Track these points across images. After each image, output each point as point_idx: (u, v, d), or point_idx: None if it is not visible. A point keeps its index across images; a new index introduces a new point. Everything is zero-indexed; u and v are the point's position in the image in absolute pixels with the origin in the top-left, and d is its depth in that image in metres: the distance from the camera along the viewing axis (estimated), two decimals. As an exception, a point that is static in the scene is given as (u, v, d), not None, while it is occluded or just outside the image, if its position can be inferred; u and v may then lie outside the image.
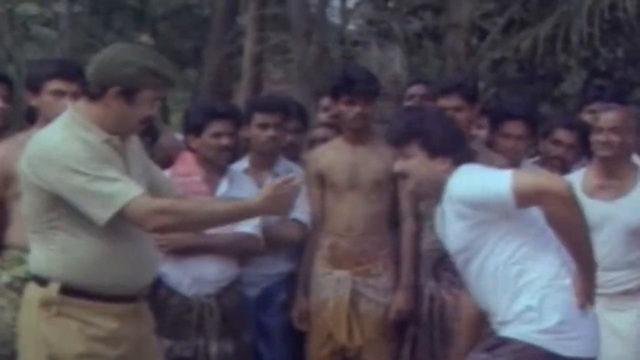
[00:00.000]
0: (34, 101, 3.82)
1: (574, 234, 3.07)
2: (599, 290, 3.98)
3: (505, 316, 3.11)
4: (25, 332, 3.18)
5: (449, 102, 4.10)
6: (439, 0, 9.76)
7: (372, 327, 4.11)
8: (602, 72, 10.14)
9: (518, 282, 3.09)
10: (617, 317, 3.99)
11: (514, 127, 4.25)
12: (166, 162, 4.35)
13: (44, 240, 3.10)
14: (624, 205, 3.99)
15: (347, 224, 4.16)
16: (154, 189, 3.25)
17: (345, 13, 12.61)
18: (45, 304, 3.07)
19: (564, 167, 4.37)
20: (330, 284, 4.16)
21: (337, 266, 4.17)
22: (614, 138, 3.95)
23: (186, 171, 4.12)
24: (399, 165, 3.26)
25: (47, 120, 3.73)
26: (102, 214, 2.96)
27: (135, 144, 3.26)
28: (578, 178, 4.09)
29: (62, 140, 3.03)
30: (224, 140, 4.09)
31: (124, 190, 2.97)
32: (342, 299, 4.14)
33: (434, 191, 3.24)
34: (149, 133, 4.27)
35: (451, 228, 3.17)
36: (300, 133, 4.71)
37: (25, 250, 3.74)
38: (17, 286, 3.75)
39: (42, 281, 3.11)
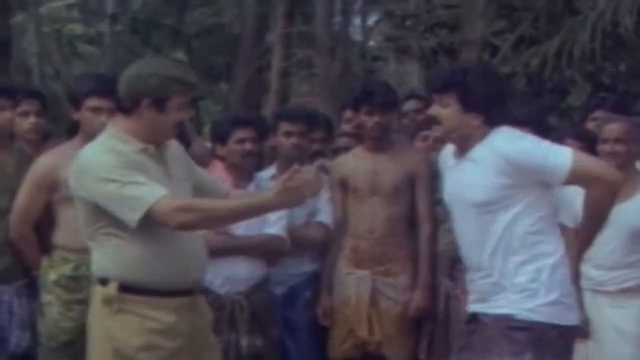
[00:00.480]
0: (75, 115, 3.83)
1: (601, 220, 3.22)
2: (601, 288, 3.98)
3: (503, 278, 3.11)
4: (93, 328, 3.20)
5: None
6: (453, 19, 9.73)
7: (391, 324, 4.08)
8: (606, 85, 10.07)
9: (533, 250, 3.11)
10: (618, 315, 3.96)
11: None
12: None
13: (99, 245, 3.13)
14: (628, 209, 3.95)
15: (368, 227, 4.14)
16: (202, 190, 3.29)
17: (366, 31, 12.62)
18: (107, 302, 3.10)
19: None
20: (352, 283, 4.14)
21: (359, 266, 4.15)
22: (619, 148, 3.93)
23: (217, 178, 4.11)
24: (433, 110, 3.24)
25: (87, 134, 3.77)
26: (133, 216, 2.97)
27: (175, 149, 3.28)
28: None
29: (96, 153, 3.09)
30: (248, 146, 4.08)
31: (150, 192, 2.97)
32: (363, 296, 4.12)
33: (460, 141, 3.22)
34: (181, 142, 4.27)
35: (481, 179, 3.11)
36: (326, 142, 4.70)
37: (71, 250, 3.77)
38: (63, 283, 3.78)
39: (103, 281, 3.12)
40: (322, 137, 4.66)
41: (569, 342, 3.24)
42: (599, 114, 4.65)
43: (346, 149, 4.51)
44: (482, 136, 3.16)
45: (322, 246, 4.30)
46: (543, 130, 4.25)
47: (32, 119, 4.23)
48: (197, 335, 3.20)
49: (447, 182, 3.33)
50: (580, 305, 3.97)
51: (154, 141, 3.13)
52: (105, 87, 3.79)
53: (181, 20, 15.32)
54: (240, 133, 4.04)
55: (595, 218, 3.21)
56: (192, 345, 3.17)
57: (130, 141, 3.09)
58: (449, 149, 3.37)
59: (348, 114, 4.78)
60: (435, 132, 3.30)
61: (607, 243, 3.95)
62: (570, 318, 3.17)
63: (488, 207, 3.12)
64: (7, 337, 3.90)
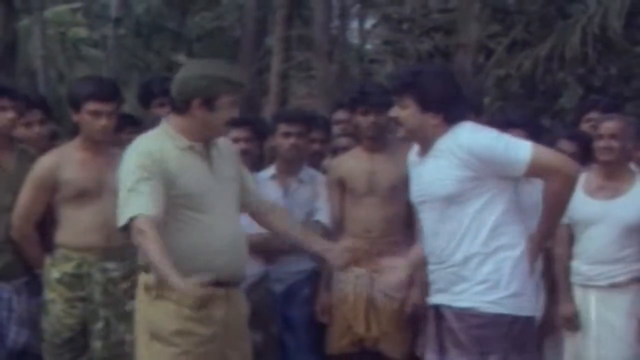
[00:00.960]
0: (75, 118, 3.80)
1: (560, 212, 3.24)
2: (591, 283, 3.98)
3: (465, 269, 3.13)
4: (136, 313, 3.32)
5: None
6: (449, 22, 9.74)
7: (388, 320, 4.07)
8: (597, 88, 10.08)
9: (496, 242, 3.13)
10: (608, 309, 3.98)
11: (515, 135, 4.20)
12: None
13: None
14: (620, 204, 3.99)
15: (365, 226, 4.11)
16: (243, 194, 3.38)
17: (364, 34, 12.60)
18: (147, 288, 3.22)
19: None
20: (350, 281, 4.12)
21: (356, 264, 4.13)
22: (614, 144, 3.96)
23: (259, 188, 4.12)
24: (394, 112, 3.26)
25: (87, 136, 3.79)
26: (120, 221, 3.11)
27: (227, 148, 3.38)
28: (581, 178, 4.07)
29: (132, 149, 3.23)
30: (242, 145, 4.09)
31: (138, 205, 3.07)
32: (360, 294, 4.10)
33: (422, 141, 3.25)
34: None
35: (445, 173, 3.14)
36: (325, 143, 4.69)
37: (73, 248, 3.76)
38: (66, 281, 3.77)
39: (145, 269, 3.22)
40: (322, 137, 4.66)
41: (533, 333, 3.28)
42: (593, 115, 4.67)
43: (345, 149, 4.50)
44: (442, 134, 3.19)
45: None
46: (536, 131, 4.25)
47: (36, 129, 4.19)
48: (232, 326, 3.27)
49: (412, 179, 3.35)
50: (571, 299, 4.00)
51: (205, 139, 3.23)
52: (104, 91, 3.79)
53: (183, 24, 15.29)
54: (233, 133, 4.02)
55: (553, 210, 3.20)
56: (226, 334, 3.24)
57: (179, 138, 3.21)
58: (414, 149, 3.39)
59: (339, 115, 4.78)
60: (399, 133, 3.31)
61: (599, 238, 3.97)
62: (531, 308, 3.21)
63: (453, 200, 3.14)
64: (5, 333, 3.89)
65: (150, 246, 3.04)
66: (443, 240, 3.19)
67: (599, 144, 3.98)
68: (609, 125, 3.98)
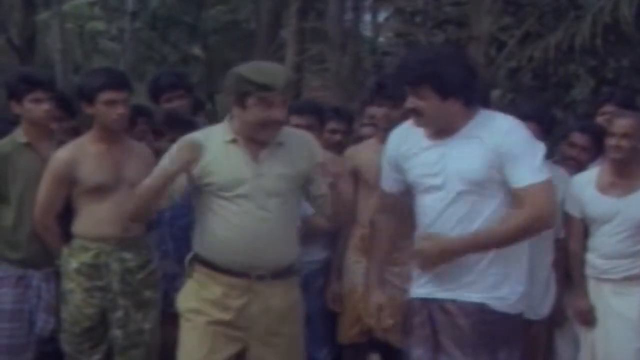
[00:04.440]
0: (88, 110, 3.81)
1: (505, 240, 3.05)
2: (605, 276, 3.98)
3: (476, 264, 3.05)
4: None
5: None
6: (461, 15, 9.70)
7: (397, 311, 4.06)
8: (609, 80, 10.02)
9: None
10: (621, 301, 3.97)
11: (527, 127, 4.20)
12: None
13: None
14: (633, 202, 3.97)
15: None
16: (308, 198, 3.44)
17: (376, 27, 12.58)
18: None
19: (580, 167, 4.32)
20: (360, 271, 4.12)
21: (367, 255, 4.14)
22: (625, 143, 3.92)
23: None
24: (412, 103, 3.10)
25: (102, 127, 3.78)
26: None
27: (294, 148, 3.34)
28: (593, 174, 4.07)
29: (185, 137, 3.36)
30: None
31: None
32: (370, 284, 4.10)
33: (445, 126, 3.11)
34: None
35: (477, 159, 3.02)
36: (347, 134, 4.68)
37: (90, 239, 3.79)
38: (84, 271, 3.79)
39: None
40: (343, 128, 4.64)
41: (521, 330, 3.23)
42: (608, 108, 4.63)
43: (369, 137, 4.48)
44: (467, 118, 3.08)
45: (333, 235, 4.30)
46: (549, 124, 4.24)
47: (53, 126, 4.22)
48: (259, 320, 3.28)
49: (424, 160, 3.16)
50: (586, 294, 3.99)
51: (253, 136, 3.26)
52: (117, 80, 3.81)
53: (198, 17, 15.30)
54: None
55: (500, 238, 3.04)
56: (252, 327, 3.28)
57: (226, 131, 3.30)
58: (410, 134, 3.24)
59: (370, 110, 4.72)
60: (418, 123, 3.15)
61: (612, 235, 3.96)
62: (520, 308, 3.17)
63: (477, 186, 3.03)
64: (34, 320, 3.93)
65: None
66: (450, 229, 3.07)
67: (610, 141, 3.95)
68: (622, 123, 3.94)
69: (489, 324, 3.05)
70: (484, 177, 3.03)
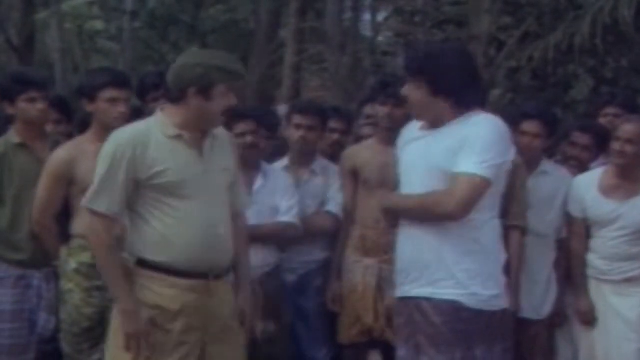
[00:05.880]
0: (89, 108, 3.81)
1: (420, 212, 3.16)
2: (605, 277, 3.98)
3: (448, 260, 3.07)
4: None
5: None
6: (461, 15, 9.70)
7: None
8: (608, 80, 10.03)
9: (477, 236, 3.11)
10: (621, 302, 3.98)
11: (531, 126, 4.20)
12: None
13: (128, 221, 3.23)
14: (634, 206, 3.96)
15: (376, 217, 4.09)
16: (230, 193, 3.31)
17: (376, 26, 12.57)
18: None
19: (581, 167, 4.33)
20: (359, 271, 4.13)
21: (366, 255, 4.14)
22: (629, 149, 3.93)
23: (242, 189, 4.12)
24: (405, 90, 3.21)
25: (102, 125, 3.78)
26: (86, 203, 3.16)
27: (225, 141, 3.31)
28: (596, 176, 4.07)
29: (113, 137, 3.20)
30: (248, 139, 4.05)
31: (102, 199, 3.11)
32: (369, 284, 4.10)
33: (432, 120, 3.18)
34: None
35: (455, 157, 3.06)
36: (345, 133, 4.67)
37: (87, 239, 3.77)
38: (83, 271, 3.78)
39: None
40: (342, 128, 4.63)
41: (510, 322, 3.27)
42: (610, 110, 4.66)
43: (369, 137, 4.47)
44: (453, 117, 3.13)
45: (332, 235, 4.30)
46: (552, 123, 4.24)
47: (49, 128, 4.18)
48: (214, 319, 3.20)
49: (413, 149, 3.25)
50: (588, 294, 3.99)
51: (202, 128, 3.17)
52: (119, 78, 3.83)
53: (197, 16, 15.29)
54: (240, 127, 4.02)
55: (416, 206, 3.15)
56: (208, 327, 3.18)
57: (168, 127, 3.14)
58: (413, 126, 3.32)
59: (368, 109, 4.72)
60: (408, 108, 3.29)
61: (613, 237, 3.96)
62: (507, 301, 3.19)
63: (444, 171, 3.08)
64: (35, 320, 3.93)
65: (107, 260, 3.13)
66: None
67: (615, 146, 3.96)
68: (627, 129, 3.95)
69: (463, 322, 3.05)
70: (449, 167, 3.06)
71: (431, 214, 3.09)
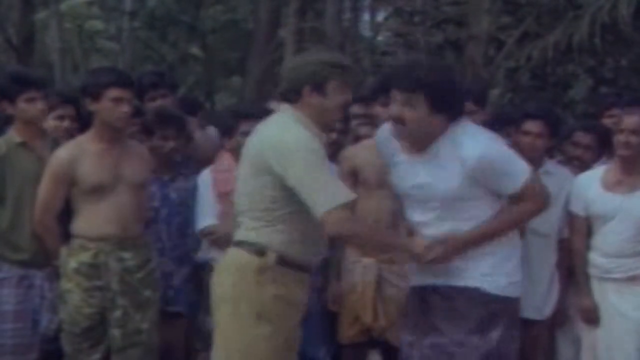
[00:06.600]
0: (93, 107, 3.80)
1: (512, 229, 3.27)
2: (608, 275, 3.97)
3: (468, 260, 3.19)
4: (230, 293, 3.21)
5: None
6: (460, 15, 9.71)
7: (395, 310, 4.06)
8: (607, 79, 10.04)
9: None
10: (624, 301, 3.95)
11: (533, 126, 4.20)
12: (204, 160, 4.36)
13: (266, 220, 3.18)
14: (637, 199, 3.94)
15: (375, 217, 4.10)
16: None
17: (375, 26, 12.58)
18: (261, 271, 3.15)
19: (584, 167, 4.33)
20: (358, 270, 4.13)
21: (365, 254, 4.15)
22: (634, 139, 3.91)
23: (225, 167, 4.13)
24: (397, 110, 3.09)
25: (104, 125, 3.78)
26: (323, 207, 3.07)
27: None
28: (599, 172, 4.07)
29: (300, 134, 3.11)
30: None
31: (342, 193, 3.08)
32: (368, 283, 4.10)
33: (421, 139, 3.15)
34: (182, 135, 4.29)
35: (450, 177, 3.11)
36: (343, 133, 4.66)
37: (89, 238, 3.78)
38: (83, 271, 3.78)
39: (259, 253, 3.16)
40: (340, 127, 4.63)
41: (519, 312, 3.37)
42: (615, 111, 4.62)
43: (366, 137, 4.48)
44: (442, 133, 3.13)
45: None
46: (554, 123, 4.25)
47: (65, 123, 4.19)
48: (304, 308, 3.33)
49: (400, 175, 3.29)
50: (590, 293, 3.99)
51: (322, 126, 3.20)
52: (124, 78, 3.82)
53: (197, 16, 15.30)
54: (245, 126, 4.02)
55: (509, 227, 3.25)
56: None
57: (311, 127, 3.14)
58: (386, 136, 3.31)
59: (355, 109, 4.74)
60: (398, 132, 3.17)
61: (617, 232, 3.94)
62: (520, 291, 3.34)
63: (457, 199, 3.15)
64: (38, 319, 3.92)
65: (367, 231, 3.25)
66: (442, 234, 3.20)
67: (619, 138, 3.94)
68: (632, 120, 3.93)
69: (483, 305, 3.17)
70: (461, 192, 3.17)
71: (527, 221, 3.38)
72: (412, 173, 3.22)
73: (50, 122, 4.11)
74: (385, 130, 3.34)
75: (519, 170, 3.16)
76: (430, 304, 3.25)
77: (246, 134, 3.97)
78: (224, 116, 4.35)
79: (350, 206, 3.08)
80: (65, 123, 4.20)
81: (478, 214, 3.18)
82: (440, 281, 3.22)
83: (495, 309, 3.18)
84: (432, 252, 3.16)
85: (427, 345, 3.20)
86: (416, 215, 3.29)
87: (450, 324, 3.17)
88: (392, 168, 3.34)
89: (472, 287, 3.18)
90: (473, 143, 3.09)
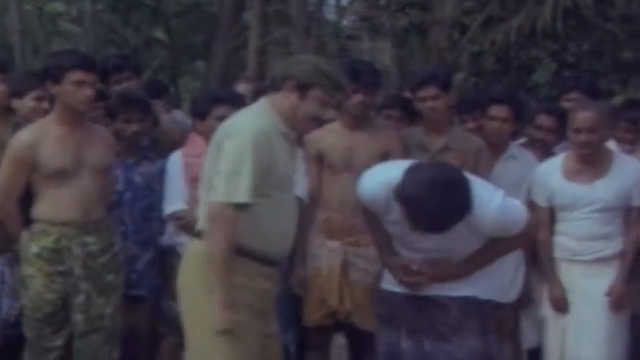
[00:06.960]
0: (54, 90, 3.74)
1: (499, 257, 3.39)
2: (577, 258, 4.01)
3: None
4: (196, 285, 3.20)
5: (426, 92, 4.08)
6: (424, -1, 9.73)
7: (361, 293, 4.07)
8: (570, 64, 10.13)
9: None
10: (590, 283, 3.98)
11: (499, 111, 4.22)
12: (171, 144, 4.33)
13: None
14: (600, 187, 3.98)
15: (341, 200, 4.11)
16: None
17: (340, 10, 12.55)
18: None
19: (546, 149, 4.37)
20: (324, 254, 4.12)
21: (331, 237, 4.14)
22: (593, 137, 3.91)
23: (197, 152, 4.07)
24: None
25: (66, 108, 3.73)
26: (217, 197, 3.14)
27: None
28: (558, 162, 4.09)
29: (246, 128, 3.13)
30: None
31: (240, 192, 3.07)
32: (334, 267, 4.10)
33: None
34: (148, 120, 4.25)
35: (467, 241, 3.27)
36: None
37: (51, 223, 3.73)
38: (45, 256, 3.74)
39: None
40: None
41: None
42: (573, 95, 4.70)
43: (331, 121, 4.46)
44: None
45: (297, 218, 4.29)
46: (518, 107, 4.27)
47: (45, 104, 4.10)
48: (269, 300, 3.34)
49: (411, 235, 3.32)
50: (559, 281, 4.03)
51: (289, 127, 3.20)
52: (87, 61, 3.76)
53: (160, 0, 15.14)
54: (219, 110, 3.99)
55: (498, 254, 3.36)
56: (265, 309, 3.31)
57: (278, 122, 3.17)
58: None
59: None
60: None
61: (582, 219, 3.97)
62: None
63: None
64: None
65: (221, 258, 3.06)
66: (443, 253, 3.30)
67: (579, 137, 3.93)
68: (585, 118, 3.91)
69: (480, 311, 3.31)
70: None
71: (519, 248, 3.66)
72: (420, 237, 3.24)
73: (28, 103, 4.04)
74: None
75: (519, 221, 3.25)
76: (428, 311, 3.33)
77: (220, 118, 3.96)
78: (197, 99, 4.30)
79: (244, 209, 3.05)
80: (45, 104, 4.14)
81: (468, 248, 3.30)
82: (433, 292, 3.32)
83: (490, 312, 3.37)
84: (419, 277, 3.29)
85: (430, 350, 3.31)
86: (404, 252, 3.38)
87: (452, 333, 3.27)
88: (389, 217, 3.36)
89: (466, 296, 3.31)
90: (482, 210, 3.15)
